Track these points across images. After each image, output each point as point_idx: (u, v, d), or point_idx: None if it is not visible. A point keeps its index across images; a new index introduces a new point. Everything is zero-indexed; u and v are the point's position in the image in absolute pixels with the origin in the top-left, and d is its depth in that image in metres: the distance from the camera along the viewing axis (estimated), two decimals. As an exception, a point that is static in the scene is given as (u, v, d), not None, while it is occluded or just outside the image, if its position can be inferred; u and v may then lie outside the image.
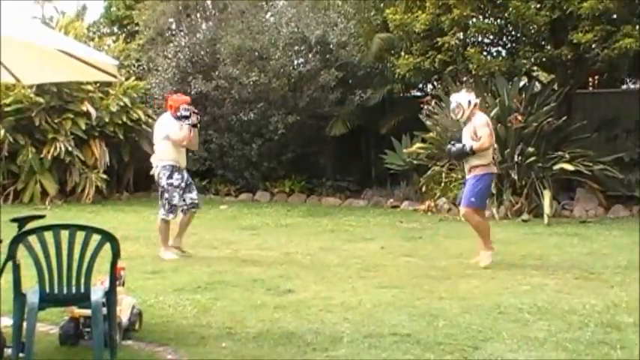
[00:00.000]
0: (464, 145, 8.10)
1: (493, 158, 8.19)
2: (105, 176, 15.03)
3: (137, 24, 18.82)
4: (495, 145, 8.38)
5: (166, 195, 8.57)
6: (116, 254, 4.59)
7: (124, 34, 18.97)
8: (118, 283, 4.93)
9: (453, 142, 8.43)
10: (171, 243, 8.71)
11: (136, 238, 10.02)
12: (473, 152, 8.03)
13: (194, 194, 8.73)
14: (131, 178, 16.48)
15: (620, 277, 7.39)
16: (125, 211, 13.61)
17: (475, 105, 8.19)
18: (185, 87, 15.70)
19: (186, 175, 8.72)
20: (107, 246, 4.58)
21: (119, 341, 4.95)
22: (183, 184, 8.63)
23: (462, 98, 8.21)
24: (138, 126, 15.56)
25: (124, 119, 15.21)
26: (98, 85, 14.97)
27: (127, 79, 15.80)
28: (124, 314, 5.21)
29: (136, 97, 15.83)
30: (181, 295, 6.65)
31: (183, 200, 8.64)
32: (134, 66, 17.38)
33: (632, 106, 14.10)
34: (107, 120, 15.03)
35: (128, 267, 5.77)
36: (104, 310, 4.64)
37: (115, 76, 5.34)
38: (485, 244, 8.16)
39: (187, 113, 8.55)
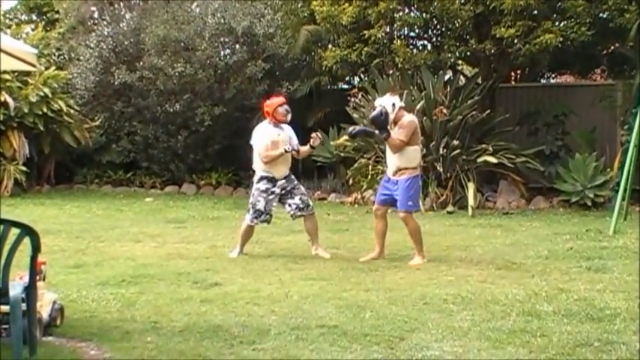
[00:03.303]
0: (385, 125, 7.88)
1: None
2: (24, 168, 14.57)
3: (57, 11, 18.27)
4: (421, 147, 8.07)
5: (251, 199, 8.33)
6: (36, 248, 4.48)
7: (43, 22, 18.41)
8: (38, 278, 4.82)
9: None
10: (314, 252, 8.33)
11: (58, 232, 9.79)
12: (386, 138, 7.87)
13: (296, 199, 8.37)
14: (52, 171, 16.07)
15: (540, 267, 7.59)
16: (46, 204, 13.26)
17: (400, 108, 8.02)
18: (108, 77, 15.42)
19: (282, 182, 8.36)
20: (27, 240, 4.45)
21: (39, 338, 4.83)
22: (276, 190, 8.29)
23: (386, 102, 8.03)
24: (59, 117, 15.12)
25: (45, 110, 14.76)
26: (16, 74, 14.49)
27: (47, 68, 15.34)
28: (44, 310, 5.08)
29: (57, 88, 15.39)
30: (105, 289, 6.52)
31: (289, 206, 8.36)
32: (54, 55, 16.88)
33: (552, 100, 14.48)
34: (26, 110, 14.57)
35: (49, 261, 5.63)
36: (23, 305, 4.51)
37: (33, 65, 5.21)
38: (419, 251, 7.97)
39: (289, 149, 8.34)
